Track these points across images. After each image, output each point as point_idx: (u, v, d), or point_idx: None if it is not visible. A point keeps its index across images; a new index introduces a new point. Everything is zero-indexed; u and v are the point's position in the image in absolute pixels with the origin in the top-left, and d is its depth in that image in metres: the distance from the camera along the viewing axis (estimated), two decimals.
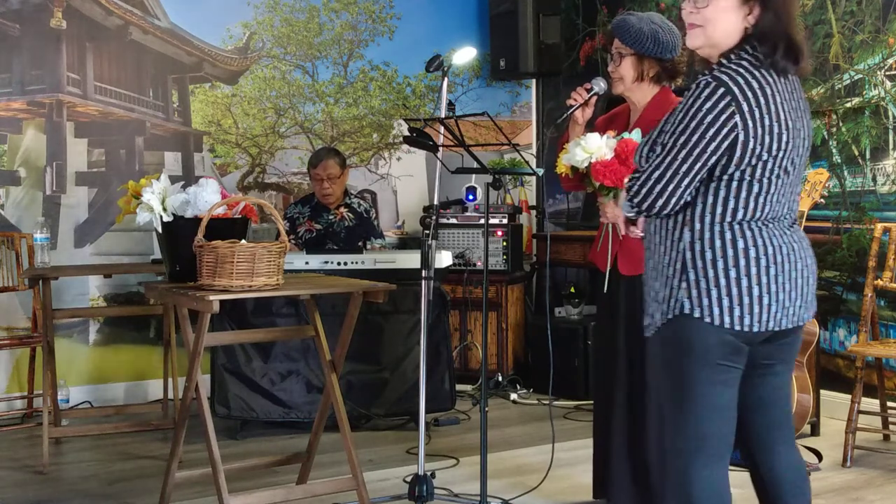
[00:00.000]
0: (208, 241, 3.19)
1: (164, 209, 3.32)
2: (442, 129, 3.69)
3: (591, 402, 3.84)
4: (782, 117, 2.40)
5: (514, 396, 5.70)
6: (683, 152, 2.38)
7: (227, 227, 3.34)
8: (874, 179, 4.89)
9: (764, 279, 2.39)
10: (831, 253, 5.02)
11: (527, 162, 3.91)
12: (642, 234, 2.63)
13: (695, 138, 2.37)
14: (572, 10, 6.61)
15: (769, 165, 2.39)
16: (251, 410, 4.77)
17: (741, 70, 2.40)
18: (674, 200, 2.40)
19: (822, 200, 4.34)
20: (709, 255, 2.40)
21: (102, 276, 5.29)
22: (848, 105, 4.97)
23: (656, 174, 2.41)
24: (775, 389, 2.56)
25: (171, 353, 4.90)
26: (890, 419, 4.59)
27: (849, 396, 4.43)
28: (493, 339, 5.92)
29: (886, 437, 4.64)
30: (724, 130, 2.36)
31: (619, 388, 3.49)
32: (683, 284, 2.42)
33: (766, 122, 2.37)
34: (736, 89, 2.36)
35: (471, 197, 5.90)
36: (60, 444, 4.75)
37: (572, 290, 5.99)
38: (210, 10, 5.88)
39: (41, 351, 4.60)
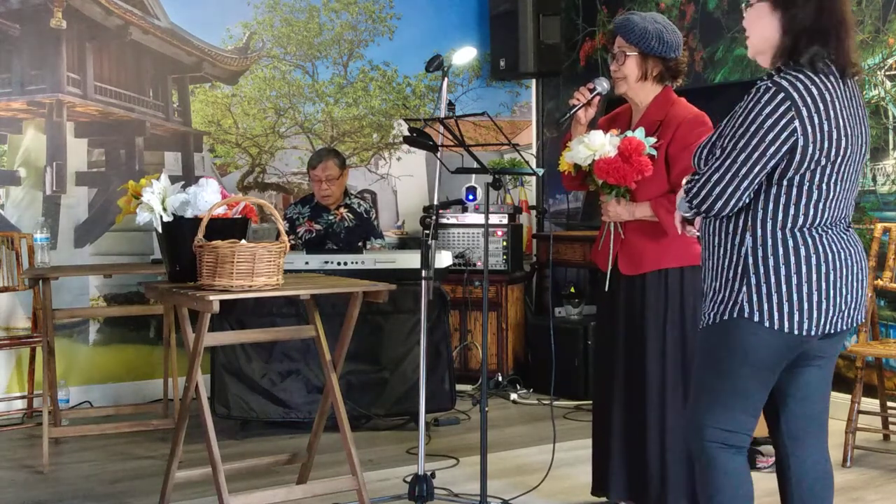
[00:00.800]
0: (208, 241, 3.19)
1: (164, 209, 3.32)
2: (442, 129, 3.69)
3: (591, 401, 3.84)
4: (841, 123, 2.44)
5: (514, 396, 5.70)
6: (743, 155, 2.44)
7: (227, 227, 3.34)
8: (874, 179, 4.89)
9: (823, 285, 2.46)
10: None
11: (527, 162, 3.92)
12: (698, 233, 2.67)
13: (754, 142, 2.43)
14: (572, 10, 6.61)
15: (827, 171, 2.45)
16: (251, 410, 4.78)
17: (801, 76, 2.44)
18: (732, 202, 2.48)
19: None
20: (771, 261, 2.47)
21: (102, 276, 5.29)
22: None
23: (715, 176, 2.48)
24: (818, 382, 2.65)
25: (171, 353, 4.90)
26: (890, 419, 4.59)
27: (849, 396, 4.43)
28: (493, 339, 5.92)
29: (886, 437, 4.64)
30: (784, 135, 2.41)
31: (618, 387, 3.50)
32: (744, 289, 2.49)
33: (826, 127, 2.42)
34: (795, 94, 2.41)
35: (471, 197, 5.90)
36: (60, 444, 4.75)
37: (572, 290, 5.99)
38: (210, 10, 5.88)
39: (41, 351, 4.60)
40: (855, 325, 2.57)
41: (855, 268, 2.52)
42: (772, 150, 2.42)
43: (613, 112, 3.63)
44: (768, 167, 2.44)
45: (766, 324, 2.47)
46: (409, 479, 3.77)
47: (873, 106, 4.87)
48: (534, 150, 6.86)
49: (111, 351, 5.62)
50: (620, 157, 3.26)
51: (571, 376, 5.60)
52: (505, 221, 5.98)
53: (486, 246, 3.61)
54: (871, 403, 4.61)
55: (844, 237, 2.53)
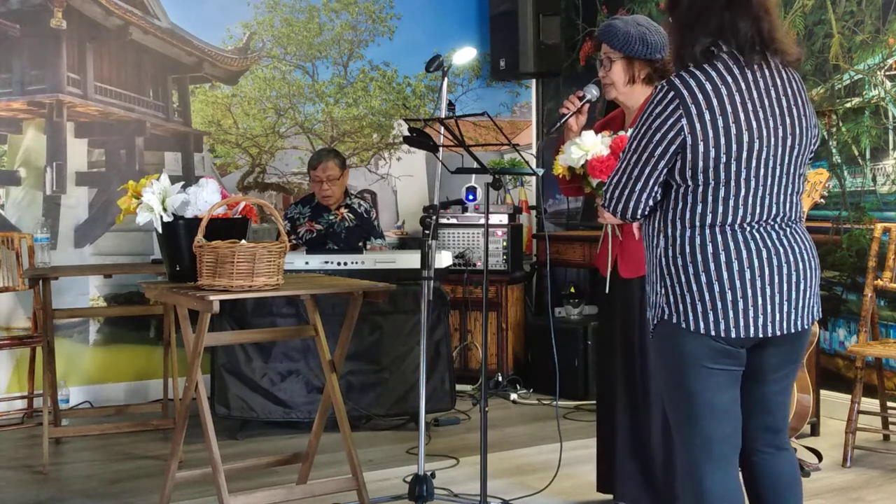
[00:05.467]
0: (208, 241, 3.19)
1: (165, 209, 3.32)
2: (442, 129, 3.69)
3: (592, 402, 3.85)
4: (742, 117, 2.33)
5: (514, 396, 5.70)
6: (635, 157, 2.40)
7: (227, 227, 3.34)
8: (874, 179, 4.89)
9: (738, 283, 2.34)
10: (831, 253, 5.02)
11: (527, 162, 3.91)
12: None
13: (643, 143, 2.38)
14: (572, 10, 6.61)
15: (733, 168, 2.33)
16: (251, 410, 4.78)
17: (697, 71, 2.35)
18: (632, 205, 2.42)
19: (821, 201, 4.34)
20: (680, 260, 2.38)
21: (102, 276, 5.29)
22: (848, 105, 4.97)
23: (615, 180, 2.45)
24: (773, 395, 2.51)
25: (171, 353, 4.90)
26: (890, 419, 4.59)
27: (849, 396, 4.43)
28: (493, 339, 5.92)
29: (886, 437, 4.64)
30: (671, 135, 2.34)
31: (620, 389, 3.51)
32: (662, 290, 2.42)
33: (720, 123, 2.31)
34: (685, 92, 2.33)
35: (471, 197, 5.90)
36: (60, 444, 4.75)
37: (572, 290, 5.99)
38: (210, 10, 5.88)
39: (41, 351, 4.60)
40: (793, 330, 2.40)
41: (786, 269, 2.37)
42: (659, 150, 2.35)
43: (608, 116, 3.64)
44: (660, 168, 2.36)
45: (683, 325, 2.37)
46: (409, 479, 3.76)
47: (873, 106, 4.86)
48: (534, 150, 6.86)
49: (111, 351, 5.62)
50: (613, 156, 3.24)
51: (571, 376, 5.60)
52: (505, 221, 5.98)
53: (486, 246, 3.61)
54: (871, 403, 4.61)
55: (773, 235, 2.38)
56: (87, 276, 5.44)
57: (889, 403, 4.61)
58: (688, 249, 2.37)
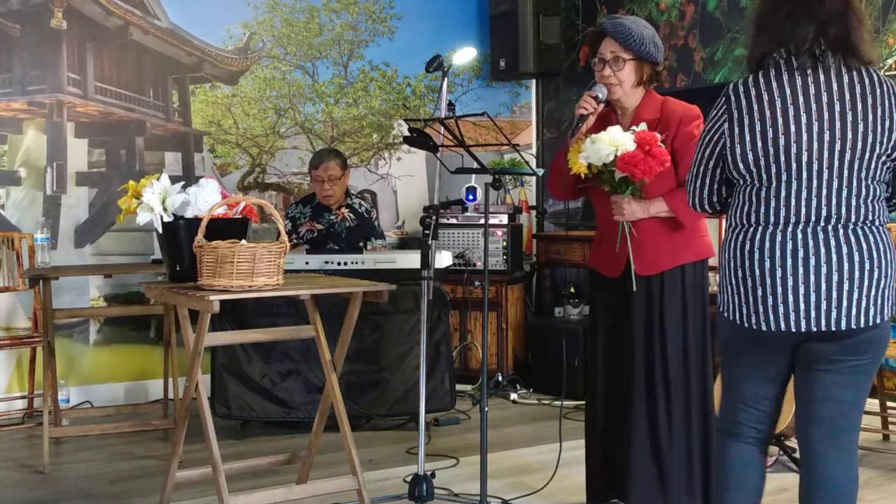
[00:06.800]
0: (208, 241, 3.19)
1: (165, 209, 3.32)
2: (442, 129, 3.69)
3: (586, 411, 3.76)
4: (781, 122, 2.43)
5: (514, 396, 5.70)
6: (694, 157, 2.63)
7: (228, 227, 3.34)
8: None
9: (768, 280, 2.47)
10: None
11: (527, 162, 3.91)
12: None
13: (700, 144, 2.61)
14: (572, 10, 6.61)
15: (773, 171, 2.46)
16: (251, 410, 4.78)
17: (750, 77, 2.51)
18: (697, 199, 2.65)
19: None
20: (726, 255, 2.58)
21: (102, 276, 5.29)
22: None
23: (688, 175, 2.68)
24: (824, 389, 2.53)
25: (172, 353, 4.90)
26: (890, 419, 4.59)
27: None
28: (493, 339, 5.92)
29: (886, 437, 4.64)
30: (715, 137, 2.55)
31: (637, 388, 3.41)
32: (719, 280, 2.63)
33: (758, 128, 2.45)
34: (733, 97, 2.51)
35: (471, 197, 5.90)
36: (60, 444, 4.75)
37: (572, 290, 5.99)
38: (210, 10, 5.88)
39: (41, 351, 4.60)
40: (834, 328, 2.43)
41: (825, 268, 2.42)
42: (707, 151, 2.57)
43: (599, 116, 3.57)
44: (710, 167, 2.58)
45: (725, 314, 2.58)
46: (409, 479, 3.77)
47: None
48: (534, 151, 6.86)
49: (111, 351, 5.62)
50: (641, 151, 3.21)
51: (571, 376, 5.60)
52: (505, 221, 5.98)
53: (486, 246, 3.61)
54: (870, 403, 4.59)
55: (819, 237, 2.43)
56: (87, 276, 5.44)
57: (889, 403, 4.62)
58: (731, 245, 2.56)
